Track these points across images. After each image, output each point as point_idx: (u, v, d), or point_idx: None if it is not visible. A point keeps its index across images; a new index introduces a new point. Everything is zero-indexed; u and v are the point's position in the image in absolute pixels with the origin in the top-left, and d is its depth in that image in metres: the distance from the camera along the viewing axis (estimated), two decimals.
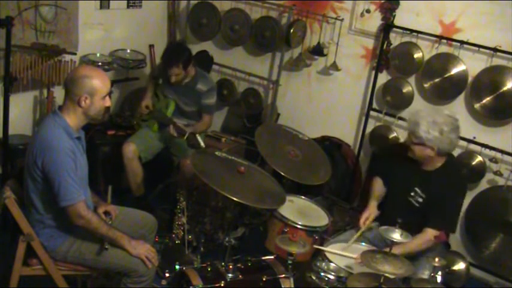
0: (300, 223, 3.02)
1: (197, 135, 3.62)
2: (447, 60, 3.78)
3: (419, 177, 3.05)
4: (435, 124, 2.89)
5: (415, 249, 2.92)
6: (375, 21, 4.12)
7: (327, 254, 2.84)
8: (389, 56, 4.02)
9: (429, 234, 2.94)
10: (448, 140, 2.91)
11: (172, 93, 3.97)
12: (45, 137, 2.47)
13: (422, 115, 2.94)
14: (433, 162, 3.01)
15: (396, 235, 2.60)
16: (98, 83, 2.51)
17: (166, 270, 3.33)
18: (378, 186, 3.28)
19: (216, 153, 3.36)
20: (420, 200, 3.03)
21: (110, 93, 2.59)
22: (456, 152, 3.57)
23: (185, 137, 3.62)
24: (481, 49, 3.65)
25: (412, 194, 3.05)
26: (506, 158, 3.67)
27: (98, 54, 4.40)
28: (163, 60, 3.88)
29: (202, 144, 3.61)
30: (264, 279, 2.76)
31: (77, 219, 2.49)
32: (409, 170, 3.09)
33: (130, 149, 3.81)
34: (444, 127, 2.89)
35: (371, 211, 3.15)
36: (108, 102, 2.58)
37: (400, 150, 3.20)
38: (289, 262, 2.67)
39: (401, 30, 3.95)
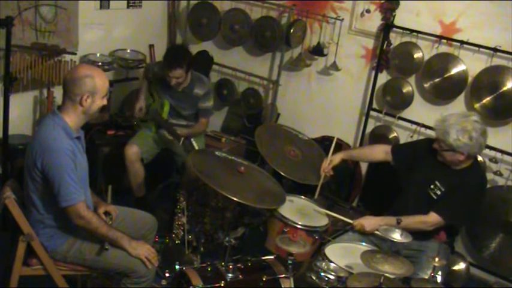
0: (300, 223, 3.01)
1: (192, 139, 3.65)
2: (447, 60, 3.78)
3: (442, 172, 3.04)
4: (464, 131, 2.88)
5: (412, 225, 2.90)
6: (374, 21, 4.12)
7: (327, 254, 2.83)
8: (389, 56, 4.02)
9: (430, 216, 2.95)
10: (478, 144, 2.92)
11: (169, 99, 3.89)
12: (44, 138, 2.47)
13: (451, 123, 2.92)
14: (460, 163, 3.00)
15: (396, 235, 2.61)
16: (99, 81, 2.51)
17: (166, 270, 3.33)
18: (371, 152, 3.40)
19: (216, 153, 3.36)
20: (439, 192, 3.03)
21: (109, 92, 2.59)
22: None
23: (180, 142, 3.67)
24: (481, 49, 3.65)
25: (432, 186, 3.05)
26: (506, 158, 3.68)
27: (98, 54, 4.40)
28: (166, 63, 3.70)
29: (196, 148, 3.67)
30: (264, 279, 2.75)
31: (77, 219, 2.49)
32: (431, 165, 3.08)
33: (133, 151, 3.80)
34: (473, 133, 2.88)
35: (333, 158, 3.31)
36: (105, 101, 2.59)
37: (423, 145, 3.20)
38: (289, 262, 2.67)
39: (401, 30, 3.95)
